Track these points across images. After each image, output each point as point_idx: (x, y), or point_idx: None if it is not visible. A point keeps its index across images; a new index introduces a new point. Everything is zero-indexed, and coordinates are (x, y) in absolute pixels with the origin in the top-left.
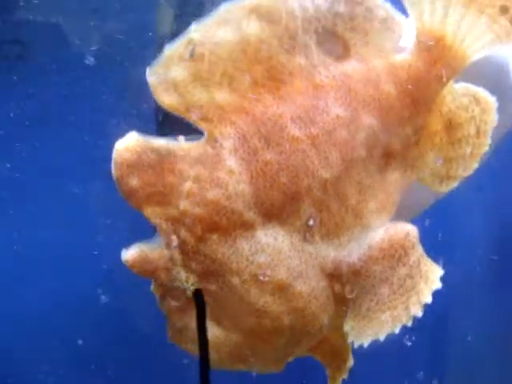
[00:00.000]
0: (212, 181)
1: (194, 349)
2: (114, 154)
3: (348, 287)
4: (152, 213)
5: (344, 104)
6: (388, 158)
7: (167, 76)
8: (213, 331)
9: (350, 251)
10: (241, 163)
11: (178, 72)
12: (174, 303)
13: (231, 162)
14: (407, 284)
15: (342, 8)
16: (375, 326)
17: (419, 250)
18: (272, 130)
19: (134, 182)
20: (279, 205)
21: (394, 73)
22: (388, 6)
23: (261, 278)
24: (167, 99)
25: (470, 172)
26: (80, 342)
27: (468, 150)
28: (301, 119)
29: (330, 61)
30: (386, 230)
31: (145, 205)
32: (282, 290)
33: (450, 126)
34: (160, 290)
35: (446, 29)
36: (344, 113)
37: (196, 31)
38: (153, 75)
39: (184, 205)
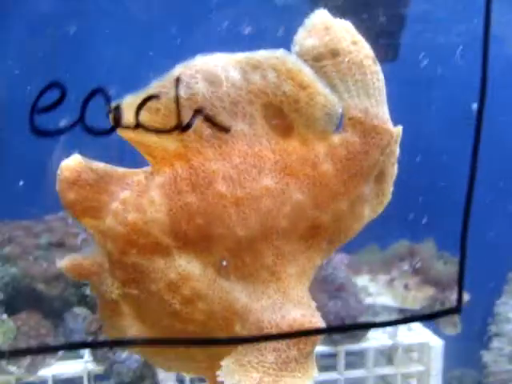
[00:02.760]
0: (134, 205)
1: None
2: (58, 172)
3: (244, 333)
4: (87, 224)
5: (276, 177)
6: (316, 229)
7: (129, 116)
8: (138, 327)
9: (263, 309)
10: (163, 197)
11: (142, 117)
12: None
13: (155, 193)
14: (291, 366)
15: (287, 89)
16: (243, 378)
17: (315, 346)
18: (201, 181)
19: (71, 196)
20: (193, 239)
21: (333, 152)
22: (327, 91)
23: (173, 288)
24: (125, 132)
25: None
26: None
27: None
28: (231, 179)
29: (274, 135)
30: (303, 315)
31: (81, 216)
32: (187, 303)
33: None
34: (95, 290)
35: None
36: (274, 185)
37: (155, 87)
38: (118, 111)
39: (110, 221)
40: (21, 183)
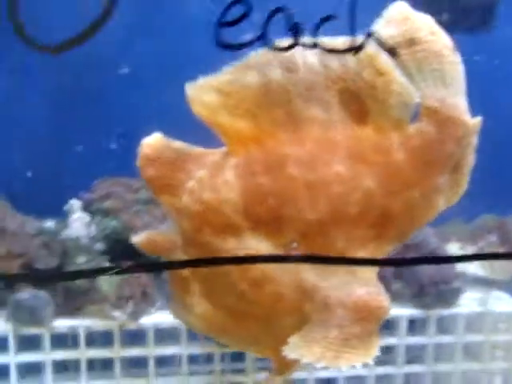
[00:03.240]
0: (210, 185)
1: (188, 321)
2: (140, 148)
3: (311, 310)
4: (164, 200)
5: (348, 164)
6: (386, 217)
7: (203, 97)
8: (205, 306)
9: (331, 286)
10: (237, 178)
11: (211, 98)
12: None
13: (229, 174)
14: (353, 342)
15: (366, 75)
16: (305, 352)
17: (379, 324)
18: (274, 163)
19: (151, 172)
20: (265, 220)
21: (407, 141)
22: (404, 79)
23: (242, 269)
24: (200, 111)
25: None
26: None
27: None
28: (303, 163)
29: (348, 121)
30: (368, 292)
31: (159, 192)
32: (255, 284)
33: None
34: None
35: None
36: (345, 171)
37: (227, 73)
38: (191, 91)
39: (186, 199)
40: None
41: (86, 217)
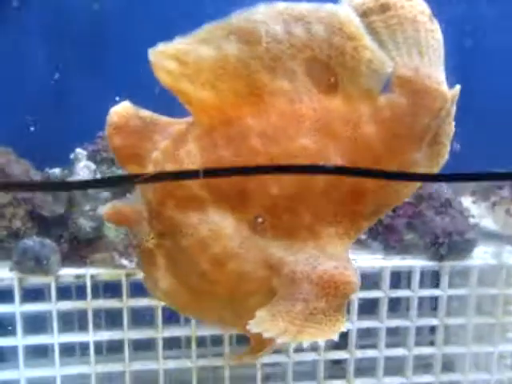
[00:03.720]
0: (173, 156)
1: (155, 294)
2: (108, 117)
3: (278, 285)
4: (131, 170)
5: (315, 137)
6: (359, 194)
7: (163, 63)
8: (169, 280)
9: (298, 260)
10: (199, 149)
11: (171, 65)
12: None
13: (192, 146)
14: (318, 317)
15: (335, 40)
16: (270, 327)
17: (345, 299)
18: (237, 136)
19: (118, 141)
20: (228, 194)
21: (378, 113)
22: (375, 46)
23: (203, 247)
24: (162, 77)
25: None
26: None
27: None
28: (267, 136)
29: (316, 92)
30: (335, 267)
31: (125, 162)
32: (216, 263)
33: None
34: (133, 238)
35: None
36: (312, 145)
37: (183, 42)
38: (152, 57)
39: (150, 170)
40: None
41: (92, 165)
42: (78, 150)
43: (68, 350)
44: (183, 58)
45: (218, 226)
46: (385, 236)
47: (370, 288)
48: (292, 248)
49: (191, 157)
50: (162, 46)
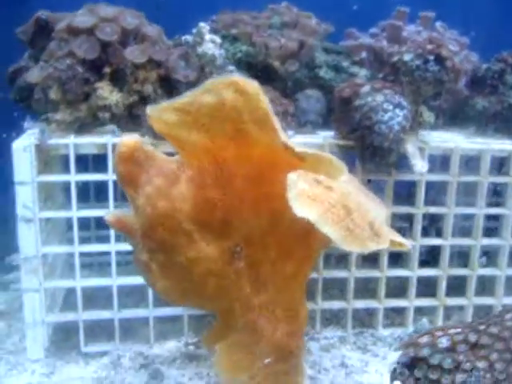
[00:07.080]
0: (166, 194)
1: (151, 286)
2: (117, 146)
3: (241, 322)
4: (129, 193)
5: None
6: (311, 230)
7: (160, 116)
8: (163, 283)
9: (260, 305)
10: (190, 190)
11: (170, 116)
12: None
13: (184, 187)
14: (280, 379)
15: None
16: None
17: (299, 358)
18: (224, 177)
19: (121, 168)
20: (214, 227)
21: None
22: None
23: (191, 263)
24: (158, 127)
25: None
26: None
27: None
28: (251, 178)
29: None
30: (287, 334)
31: (126, 186)
32: (203, 276)
33: None
34: (132, 245)
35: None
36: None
37: (186, 96)
38: (151, 111)
39: (142, 202)
40: None
41: (217, 38)
42: (201, 24)
43: None
44: (187, 107)
45: (203, 250)
46: None
47: None
48: (257, 284)
49: (183, 197)
50: (164, 103)
